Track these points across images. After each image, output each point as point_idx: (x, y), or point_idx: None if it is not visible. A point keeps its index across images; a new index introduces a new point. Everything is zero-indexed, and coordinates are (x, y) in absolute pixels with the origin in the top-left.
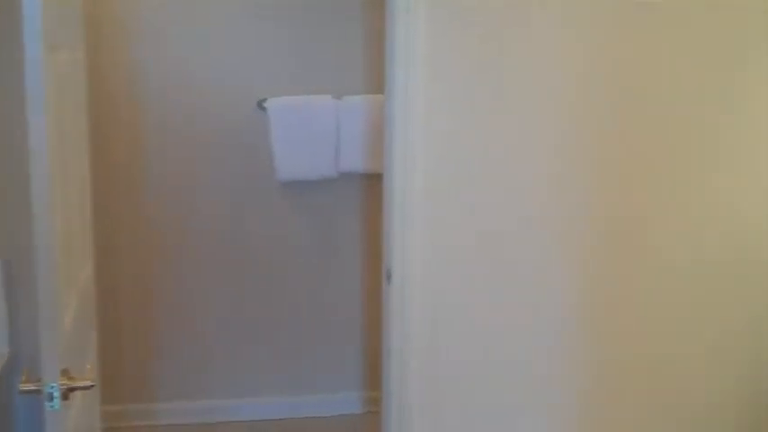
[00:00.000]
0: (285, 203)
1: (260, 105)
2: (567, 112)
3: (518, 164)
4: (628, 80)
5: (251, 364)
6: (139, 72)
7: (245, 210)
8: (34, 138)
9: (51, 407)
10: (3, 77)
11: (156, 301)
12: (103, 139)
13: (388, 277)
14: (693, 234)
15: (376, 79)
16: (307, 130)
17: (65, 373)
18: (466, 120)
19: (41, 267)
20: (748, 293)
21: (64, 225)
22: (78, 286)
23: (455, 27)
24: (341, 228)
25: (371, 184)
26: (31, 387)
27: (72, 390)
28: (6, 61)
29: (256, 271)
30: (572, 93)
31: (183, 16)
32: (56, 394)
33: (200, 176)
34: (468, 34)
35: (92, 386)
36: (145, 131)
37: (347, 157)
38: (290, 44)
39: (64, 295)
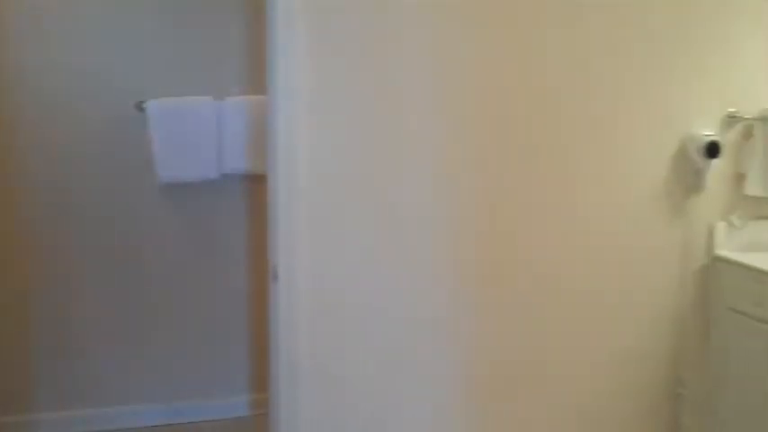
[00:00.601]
0: (167, 205)
1: (138, 107)
2: (448, 111)
3: (400, 163)
4: (510, 78)
5: (133, 370)
6: (15, 73)
7: (125, 212)
8: None
9: None
10: None
11: (30, 306)
12: None
13: (275, 277)
14: (575, 237)
15: (258, 80)
16: (187, 132)
17: None
18: (348, 119)
19: None
20: (634, 288)
21: None
22: None
23: (336, 29)
24: (225, 229)
25: (255, 185)
26: None
27: None
28: None
29: (138, 274)
30: (453, 92)
31: (60, 17)
32: None
33: (78, 179)
34: (350, 35)
35: None
36: (20, 133)
37: (229, 158)
38: (170, 45)
39: None
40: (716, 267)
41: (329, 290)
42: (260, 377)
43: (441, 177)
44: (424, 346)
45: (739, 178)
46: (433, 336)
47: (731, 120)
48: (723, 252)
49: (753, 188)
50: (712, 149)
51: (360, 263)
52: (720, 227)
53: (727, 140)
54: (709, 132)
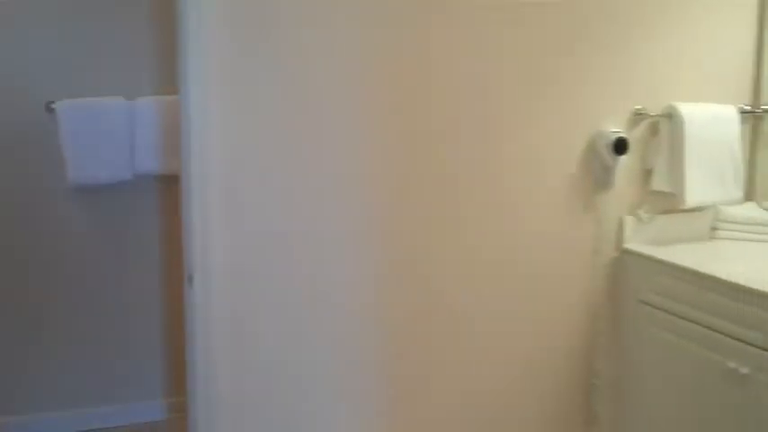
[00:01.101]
0: (79, 207)
1: (48, 108)
2: (363, 112)
3: (314, 163)
4: (424, 78)
5: (44, 375)
6: None
7: (36, 215)
8: None
9: None
10: None
11: None
12: None
13: (190, 280)
14: (488, 232)
15: (171, 80)
16: (98, 133)
17: None
18: (262, 119)
19: None
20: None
21: None
22: None
23: (249, 28)
24: (138, 231)
25: (169, 186)
26: None
27: None
28: None
29: (50, 278)
30: (367, 92)
31: None
32: None
33: None
34: (263, 35)
35: None
36: None
37: (142, 158)
38: (81, 45)
39: None
40: (625, 260)
41: (246, 292)
42: (176, 380)
43: (355, 175)
44: (347, 348)
45: (646, 174)
46: (356, 337)
47: (638, 117)
48: (631, 245)
49: (658, 183)
50: (620, 146)
51: (278, 263)
52: (629, 221)
53: (635, 137)
54: (616, 130)
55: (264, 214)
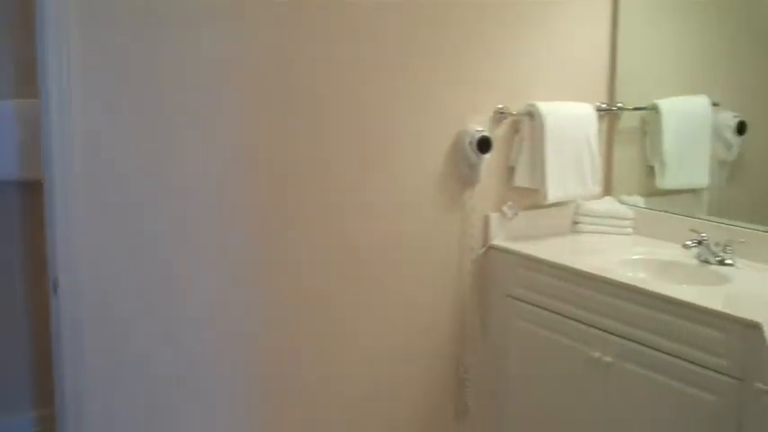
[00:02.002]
0: None
1: None
2: (227, 111)
3: (179, 162)
4: (291, 78)
5: None
6: None
7: None
8: None
9: None
10: None
11: None
12: None
13: (55, 288)
14: (361, 230)
15: (31, 83)
16: None
17: None
18: (124, 122)
19: None
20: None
21: None
22: None
23: (109, 31)
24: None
25: (31, 192)
26: None
27: None
28: None
29: None
30: (233, 93)
31: None
32: None
33: None
34: (123, 37)
35: None
36: None
37: (1, 163)
38: None
39: None
40: (491, 256)
41: (113, 299)
42: (45, 392)
43: (220, 173)
44: (213, 352)
45: (510, 171)
46: (225, 342)
47: (500, 116)
48: (497, 241)
49: (521, 180)
50: (483, 144)
51: (144, 268)
52: (494, 217)
53: (498, 135)
54: (480, 128)
55: (128, 217)
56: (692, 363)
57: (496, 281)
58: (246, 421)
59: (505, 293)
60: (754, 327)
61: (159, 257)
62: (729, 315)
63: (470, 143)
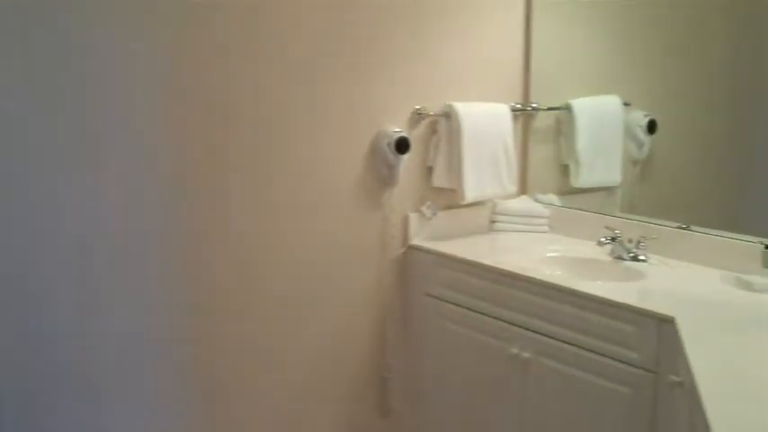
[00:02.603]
0: None
1: None
2: (138, 111)
3: (92, 161)
4: (209, 79)
5: None
6: None
7: None
8: None
9: None
10: None
11: None
12: None
13: None
14: (284, 230)
15: None
16: None
17: None
18: (18, 122)
19: None
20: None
21: None
22: None
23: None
24: None
25: None
26: None
27: None
28: None
29: None
30: (137, 94)
31: None
32: None
33: None
34: (14, 35)
35: None
36: None
37: None
38: None
39: None
40: (411, 256)
41: (26, 295)
42: None
43: (140, 174)
44: (137, 348)
45: (429, 171)
46: (147, 340)
47: (418, 117)
48: (416, 241)
49: (439, 180)
50: (401, 145)
51: (62, 265)
52: (413, 217)
53: (416, 136)
54: (398, 129)
55: (41, 216)
56: (608, 357)
57: (416, 280)
58: (173, 421)
59: (425, 293)
60: (668, 321)
61: (75, 259)
62: (643, 310)
63: (389, 144)
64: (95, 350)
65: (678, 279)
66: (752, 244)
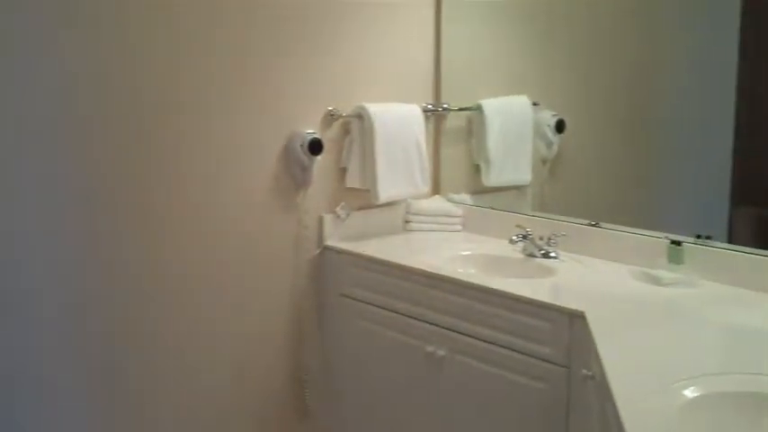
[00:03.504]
0: None
1: None
2: (62, 110)
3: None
4: (119, 78)
5: None
6: None
7: None
8: None
9: None
10: None
11: None
12: None
13: None
14: (198, 232)
15: None
16: None
17: None
18: None
19: None
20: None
21: None
22: None
23: None
24: None
25: None
26: None
27: None
28: None
29: None
30: (62, 92)
31: None
32: None
33: None
34: None
35: None
36: None
37: None
38: None
39: None
40: (326, 257)
41: None
42: None
43: (51, 176)
44: (47, 355)
45: (342, 172)
46: (57, 348)
47: (331, 118)
48: (331, 242)
49: (353, 181)
50: (315, 146)
51: None
52: (328, 218)
53: (329, 137)
54: (311, 130)
55: None
56: (522, 353)
57: (332, 281)
58: (86, 423)
59: (341, 293)
60: (579, 316)
61: None
62: (555, 305)
63: (302, 145)
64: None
65: (588, 275)
66: (658, 239)
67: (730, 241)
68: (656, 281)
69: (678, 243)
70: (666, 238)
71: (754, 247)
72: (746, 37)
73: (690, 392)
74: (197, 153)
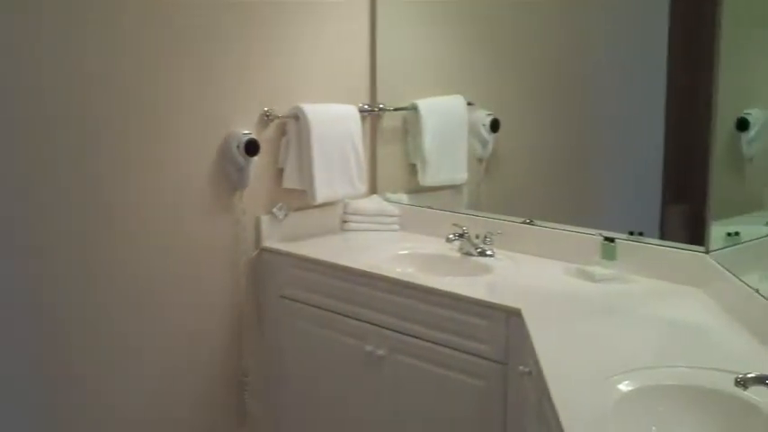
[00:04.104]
0: None
1: None
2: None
3: None
4: (52, 78)
5: None
6: None
7: None
8: None
9: None
10: None
11: None
12: None
13: None
14: (135, 234)
15: None
16: None
17: None
18: None
19: None
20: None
21: None
22: None
23: None
24: None
25: None
26: None
27: None
28: None
29: None
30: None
31: None
32: None
33: None
34: None
35: None
36: None
37: None
38: None
39: None
40: (264, 258)
41: None
42: None
43: None
44: None
45: (279, 173)
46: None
47: (267, 118)
48: (269, 243)
49: (290, 182)
50: (251, 147)
51: None
52: (265, 219)
53: (265, 138)
54: (247, 131)
55: None
56: (460, 351)
57: (270, 282)
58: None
59: (280, 294)
60: (515, 313)
61: None
62: (492, 303)
63: (238, 146)
64: None
65: (524, 272)
66: (592, 236)
67: (662, 237)
68: (590, 277)
69: (611, 240)
70: (600, 234)
71: (684, 242)
72: (675, 38)
73: (624, 386)
74: (132, 154)
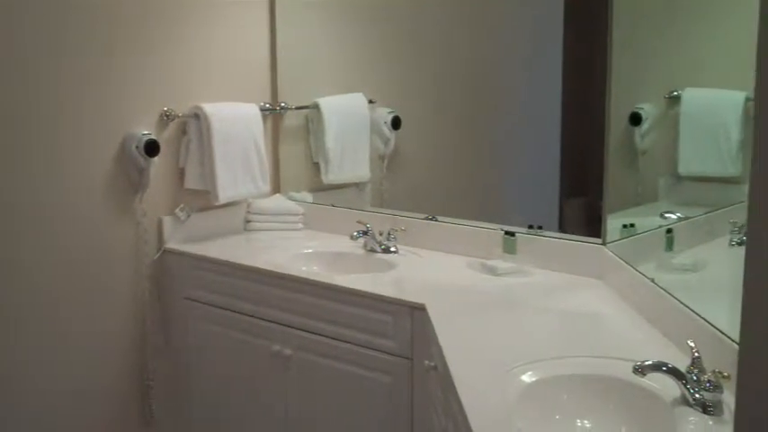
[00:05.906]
0: None
1: None
2: None
3: None
4: None
5: None
6: None
7: None
8: None
9: None
10: None
11: None
12: None
13: None
14: (33, 238)
15: None
16: None
17: None
18: None
19: None
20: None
21: None
22: None
23: None
24: None
25: None
26: None
27: None
28: None
29: None
30: None
31: None
32: None
33: None
34: None
35: None
36: None
37: None
38: None
39: None
40: (167, 260)
41: None
42: None
43: None
44: None
45: (181, 173)
46: None
47: (167, 118)
48: (171, 245)
49: (192, 182)
50: (151, 148)
51: None
52: (168, 221)
53: (165, 138)
54: (147, 131)
55: None
56: (367, 347)
57: (174, 284)
58: None
59: (184, 296)
60: (419, 308)
61: None
62: (396, 299)
63: (137, 147)
64: None
65: (428, 267)
66: (494, 231)
67: (561, 230)
68: (492, 271)
69: (512, 234)
70: (501, 229)
71: (582, 235)
72: (569, 42)
73: (527, 377)
74: (32, 156)
